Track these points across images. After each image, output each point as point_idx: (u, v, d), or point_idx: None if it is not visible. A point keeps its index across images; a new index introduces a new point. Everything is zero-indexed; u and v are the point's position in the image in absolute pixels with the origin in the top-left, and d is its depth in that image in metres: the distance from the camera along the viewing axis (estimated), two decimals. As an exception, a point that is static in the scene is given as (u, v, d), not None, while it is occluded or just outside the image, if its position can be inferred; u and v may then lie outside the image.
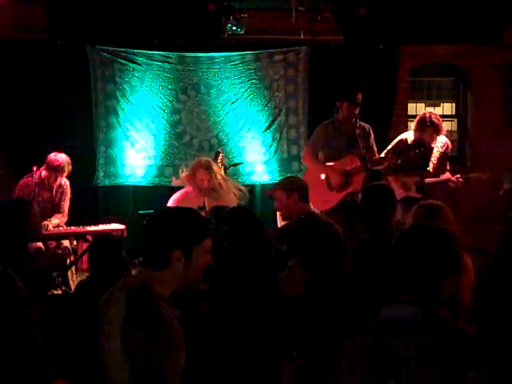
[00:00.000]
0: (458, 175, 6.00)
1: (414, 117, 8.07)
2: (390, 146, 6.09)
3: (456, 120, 8.25)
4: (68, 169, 5.86)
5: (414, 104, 8.21)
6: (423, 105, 8.22)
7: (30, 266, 3.63)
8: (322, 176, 5.72)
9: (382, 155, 5.86)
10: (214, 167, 5.43)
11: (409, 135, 6.06)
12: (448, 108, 8.27)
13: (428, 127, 5.86)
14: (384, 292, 1.81)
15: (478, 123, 8.03)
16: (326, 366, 1.83)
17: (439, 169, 6.03)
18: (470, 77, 8.07)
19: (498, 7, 6.79)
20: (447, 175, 6.06)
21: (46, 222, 5.64)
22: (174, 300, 2.13)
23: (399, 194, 5.82)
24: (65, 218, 5.97)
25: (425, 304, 1.72)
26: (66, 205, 5.98)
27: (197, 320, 2.71)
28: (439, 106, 8.19)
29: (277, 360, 2.65)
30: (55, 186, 5.92)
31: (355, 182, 5.64)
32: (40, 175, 5.83)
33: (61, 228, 5.80)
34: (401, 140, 6.08)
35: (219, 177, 5.41)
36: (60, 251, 5.64)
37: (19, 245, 3.62)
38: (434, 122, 5.88)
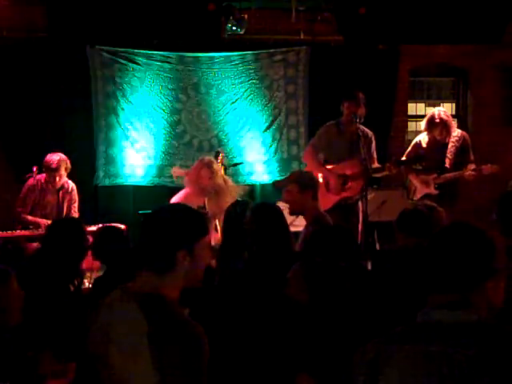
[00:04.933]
0: (473, 166, 5.90)
1: (414, 117, 8.15)
2: (407, 150, 6.13)
3: (456, 120, 8.23)
4: (65, 166, 5.81)
5: (414, 104, 8.21)
6: (423, 105, 8.23)
7: (77, 285, 3.56)
8: (320, 179, 5.71)
9: (378, 165, 5.81)
10: (215, 166, 5.49)
11: (422, 137, 6.07)
12: (448, 108, 8.25)
13: (437, 124, 5.86)
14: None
15: (478, 123, 8.03)
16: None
17: (458, 163, 5.95)
18: (470, 77, 8.06)
19: (498, 7, 6.81)
20: (471, 167, 5.93)
21: None
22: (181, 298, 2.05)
23: (420, 191, 5.86)
24: None
25: (468, 307, 1.61)
26: (76, 210, 6.02)
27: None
28: (439, 106, 8.16)
29: (288, 371, 2.53)
30: (59, 188, 5.90)
31: (353, 187, 5.62)
32: (41, 179, 5.83)
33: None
34: (415, 144, 6.10)
35: (220, 176, 5.47)
36: None
37: (73, 263, 3.56)
38: (442, 118, 5.88)
